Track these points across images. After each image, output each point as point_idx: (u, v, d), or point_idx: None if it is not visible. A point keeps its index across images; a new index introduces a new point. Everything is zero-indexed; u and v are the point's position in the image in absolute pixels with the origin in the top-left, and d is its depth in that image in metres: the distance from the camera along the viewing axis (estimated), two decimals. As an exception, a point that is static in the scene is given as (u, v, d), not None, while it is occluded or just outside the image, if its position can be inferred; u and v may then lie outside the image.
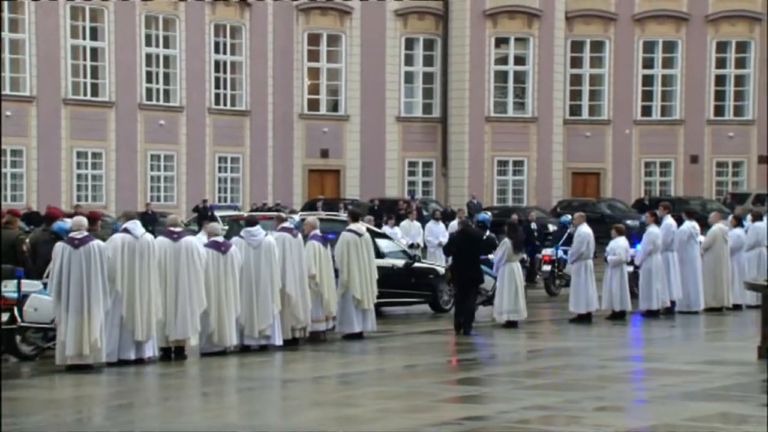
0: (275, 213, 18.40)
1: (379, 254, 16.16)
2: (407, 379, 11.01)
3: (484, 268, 15.40)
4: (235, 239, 12.65)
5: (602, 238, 17.63)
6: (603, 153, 38.61)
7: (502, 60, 37.91)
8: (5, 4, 30.50)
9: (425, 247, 22.65)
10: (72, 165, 33.10)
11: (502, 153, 37.72)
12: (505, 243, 14.94)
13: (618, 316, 15.79)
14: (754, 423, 8.39)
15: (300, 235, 13.15)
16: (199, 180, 35.00)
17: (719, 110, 38.92)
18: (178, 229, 12.09)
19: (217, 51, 35.48)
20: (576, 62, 38.48)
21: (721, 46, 38.64)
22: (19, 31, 32.09)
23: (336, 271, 13.54)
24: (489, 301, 15.84)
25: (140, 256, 11.48)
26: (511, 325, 14.80)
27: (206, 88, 35.21)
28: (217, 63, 35.50)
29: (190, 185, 34.89)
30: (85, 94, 33.37)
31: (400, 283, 16.11)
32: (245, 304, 12.42)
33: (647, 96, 38.76)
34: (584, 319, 15.52)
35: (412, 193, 36.92)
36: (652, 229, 16.22)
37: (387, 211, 27.03)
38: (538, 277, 20.23)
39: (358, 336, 13.65)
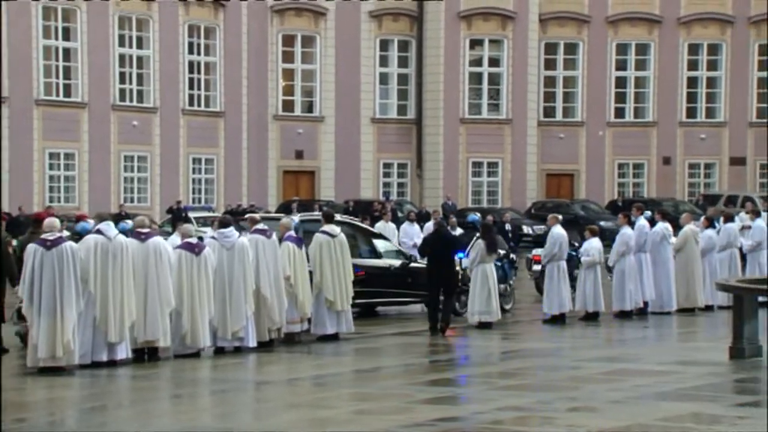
0: (277, 214, 18.38)
1: (377, 254, 16.37)
2: (381, 380, 11.01)
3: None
4: (208, 240, 12.61)
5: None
6: (577, 154, 38.81)
7: (477, 62, 38.00)
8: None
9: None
10: (44, 166, 32.85)
11: (476, 154, 37.81)
12: (479, 244, 14.98)
13: (591, 317, 15.87)
14: (725, 423, 8.46)
15: (275, 237, 13.12)
16: (172, 181, 34.84)
17: (691, 112, 39.23)
18: (145, 230, 12.03)
19: (191, 52, 35.33)
20: (550, 64, 38.65)
21: (693, 49, 38.95)
22: (-9, 31, 31.84)
23: (311, 272, 13.54)
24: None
25: (113, 258, 11.42)
26: (484, 326, 14.83)
27: (180, 88, 35.06)
28: (191, 64, 35.36)
29: (163, 186, 34.72)
30: (57, 95, 33.14)
31: (397, 283, 16.11)
32: (218, 306, 12.38)
33: (620, 98, 39.00)
34: (558, 320, 15.58)
35: (387, 194, 36.94)
36: (625, 231, 16.31)
37: (362, 213, 27.01)
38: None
39: (334, 337, 13.64)
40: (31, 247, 11.23)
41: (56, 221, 11.55)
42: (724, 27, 38.91)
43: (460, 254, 15.32)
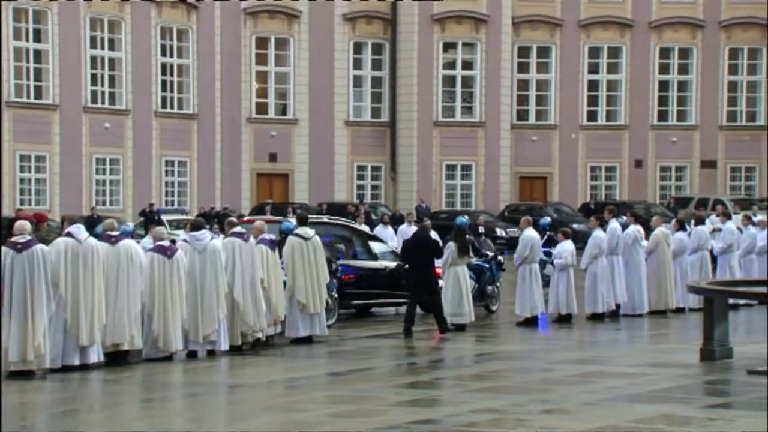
0: (273, 217, 18.63)
1: (372, 256, 16.68)
2: (356, 383, 11.01)
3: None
4: (180, 243, 12.56)
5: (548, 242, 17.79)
6: (550, 157, 38.99)
7: (450, 65, 38.11)
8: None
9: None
10: (15, 169, 32.56)
11: (450, 157, 37.90)
12: (450, 247, 15.03)
13: (564, 320, 15.93)
14: (696, 424, 8.52)
15: (252, 240, 13.10)
16: (145, 184, 34.66)
17: (663, 115, 39.53)
18: (115, 233, 11.97)
19: (163, 54, 35.17)
20: (523, 67, 38.82)
21: (664, 52, 39.25)
22: (-39, 32, 31.55)
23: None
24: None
25: (84, 261, 11.35)
26: (457, 328, 14.85)
27: (153, 91, 34.89)
28: (163, 66, 35.20)
29: (136, 189, 34.54)
30: (28, 97, 32.88)
31: (391, 284, 16.21)
32: (190, 309, 12.32)
33: (592, 101, 39.23)
34: (531, 322, 15.64)
35: (361, 197, 36.94)
36: (597, 233, 16.40)
37: (335, 215, 26.98)
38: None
39: (308, 340, 13.62)
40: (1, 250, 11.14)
41: (26, 224, 11.47)
42: (694, 31, 39.24)
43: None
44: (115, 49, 34.24)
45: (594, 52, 39.00)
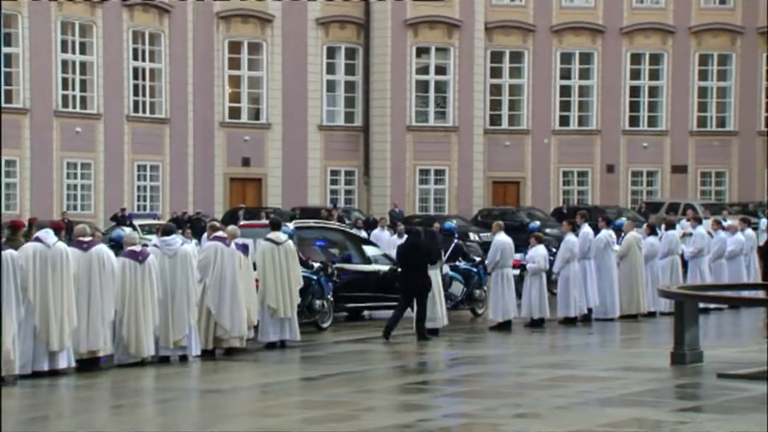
0: (266, 221, 18.98)
1: (366, 260, 16.95)
2: (328, 388, 10.99)
3: (452, 273, 16.29)
4: (150, 248, 12.51)
5: (522, 247, 17.86)
6: (522, 162, 39.15)
7: (423, 70, 38.19)
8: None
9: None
10: (-15, 173, 32.28)
11: (423, 162, 37.96)
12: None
13: (537, 324, 15.99)
14: (667, 428, 8.58)
15: (233, 245, 13.07)
16: (117, 188, 34.45)
17: (634, 121, 39.80)
18: (87, 239, 11.89)
19: (135, 58, 35.00)
20: (496, 72, 38.96)
21: (636, 58, 39.55)
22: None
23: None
24: (456, 306, 16.49)
25: (53, 266, 11.26)
26: (431, 332, 14.87)
27: (124, 95, 34.70)
28: (135, 70, 35.02)
29: (108, 194, 34.32)
30: (-2, 101, 32.60)
31: (384, 287, 16.33)
32: (161, 315, 12.27)
33: (565, 106, 39.44)
34: (504, 327, 15.68)
35: (335, 201, 36.92)
36: (570, 238, 16.47)
37: (309, 220, 26.93)
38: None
39: (281, 345, 13.59)
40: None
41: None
42: (665, 37, 39.56)
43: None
44: (86, 52, 34.02)
45: (566, 58, 39.22)
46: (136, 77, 35.03)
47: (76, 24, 33.79)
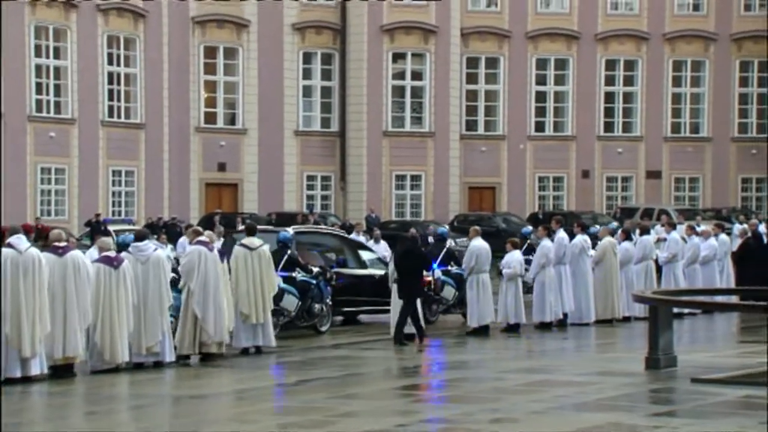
0: (269, 227, 19.41)
1: (362, 264, 17.21)
2: (304, 394, 10.96)
3: (444, 278, 16.41)
4: (123, 254, 12.45)
5: (498, 252, 17.89)
6: (498, 168, 39.29)
7: (400, 75, 38.25)
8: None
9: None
10: (-43, 178, 32.01)
11: (399, 167, 38.01)
12: (395, 257, 15.11)
13: (513, 329, 16.04)
14: None
15: (216, 250, 13.04)
16: (91, 194, 34.25)
17: (609, 126, 40.05)
18: (62, 244, 11.80)
19: (110, 63, 34.83)
20: (472, 78, 39.10)
21: (610, 64, 39.81)
22: None
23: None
24: (448, 310, 16.58)
25: (24, 272, 11.16)
26: (407, 338, 14.87)
27: (99, 100, 34.53)
28: (110, 75, 34.85)
29: (82, 199, 34.11)
30: (-29, 105, 32.36)
31: (379, 292, 16.41)
32: (133, 321, 12.21)
33: (540, 112, 39.64)
34: (481, 332, 15.71)
35: (311, 206, 36.89)
36: (545, 243, 16.53)
37: (285, 225, 26.91)
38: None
39: (257, 351, 13.55)
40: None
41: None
42: (639, 43, 39.86)
43: (434, 265, 16.12)
44: (60, 57, 33.82)
45: (541, 64, 39.42)
46: (111, 82, 34.86)
47: (51, 28, 33.59)
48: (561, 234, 16.81)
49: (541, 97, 39.54)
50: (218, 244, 14.33)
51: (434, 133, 38.15)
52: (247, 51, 37.14)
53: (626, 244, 17.71)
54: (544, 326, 16.32)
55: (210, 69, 36.96)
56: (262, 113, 37.28)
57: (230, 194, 37.43)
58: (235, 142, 37.28)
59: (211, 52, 36.91)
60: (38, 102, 33.49)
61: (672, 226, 20.19)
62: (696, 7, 40.24)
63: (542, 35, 39.19)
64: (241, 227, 21.75)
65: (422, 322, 14.75)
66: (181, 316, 12.86)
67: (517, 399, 10.11)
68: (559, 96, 39.74)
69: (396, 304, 14.91)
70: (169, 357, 12.44)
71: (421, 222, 34.20)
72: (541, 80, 39.49)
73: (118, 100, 35.13)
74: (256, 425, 9.10)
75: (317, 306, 15.34)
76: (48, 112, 33.77)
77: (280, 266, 15.00)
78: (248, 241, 13.81)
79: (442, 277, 16.68)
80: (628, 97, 40.09)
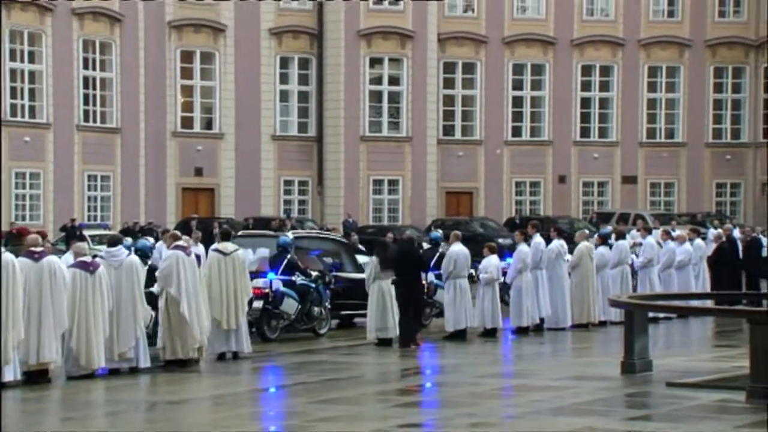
0: (268, 232, 19.76)
1: (358, 268, 17.53)
2: (280, 399, 10.94)
3: (437, 282, 16.54)
4: (97, 259, 12.39)
5: (475, 257, 17.94)
6: (475, 172, 39.37)
7: (377, 80, 38.28)
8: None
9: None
10: (-70, 183, 31.70)
11: (377, 172, 38.02)
12: (372, 261, 15.12)
13: (490, 334, 16.07)
14: (618, 435, 8.67)
15: (193, 254, 12.99)
16: (67, 199, 34.03)
17: (585, 132, 40.24)
18: (39, 249, 11.72)
19: (86, 67, 34.64)
20: (449, 83, 39.18)
21: (586, 70, 40.01)
22: None
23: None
24: (441, 313, 16.56)
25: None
26: (383, 343, 14.88)
27: (75, 104, 34.31)
28: (86, 79, 34.66)
29: (57, 204, 33.88)
30: (-55, 109, 32.08)
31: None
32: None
33: (517, 117, 39.77)
34: (458, 336, 15.74)
35: (288, 211, 36.81)
36: (522, 248, 16.59)
37: (262, 230, 26.85)
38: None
39: (234, 357, 13.51)
40: None
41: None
42: (615, 49, 40.09)
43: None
44: (35, 61, 33.61)
45: (518, 69, 39.56)
46: (86, 86, 34.67)
47: (25, 32, 33.35)
48: (537, 239, 16.87)
49: (517, 102, 39.68)
50: (196, 249, 14.27)
51: (411, 137, 38.21)
52: (224, 55, 37.05)
53: (602, 248, 17.80)
54: (520, 331, 16.36)
55: (186, 73, 36.84)
56: (239, 118, 37.19)
57: (207, 199, 37.29)
58: (212, 146, 37.17)
59: (187, 56, 36.80)
60: (13, 106, 33.24)
61: (648, 230, 20.29)
62: (671, 14, 40.53)
63: (519, 41, 39.34)
64: (242, 231, 22.15)
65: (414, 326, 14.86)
66: (161, 321, 12.79)
67: (493, 404, 10.14)
68: (535, 101, 39.89)
69: (373, 306, 14.92)
70: (144, 362, 12.38)
71: (399, 227, 34.21)
72: (518, 85, 39.63)
73: (94, 104, 34.94)
74: (234, 431, 9.07)
75: (316, 309, 15.65)
76: (23, 116, 33.53)
77: (280, 270, 15.31)
78: (222, 246, 13.76)
79: (435, 281, 16.76)
80: (603, 103, 40.31)
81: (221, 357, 13.51)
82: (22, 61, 33.39)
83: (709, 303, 16.76)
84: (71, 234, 28.11)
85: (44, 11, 33.52)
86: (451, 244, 16.27)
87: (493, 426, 9.16)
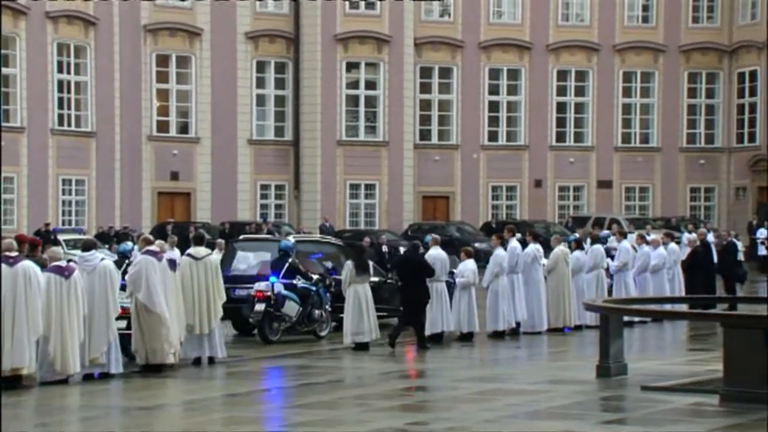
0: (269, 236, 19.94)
1: None
2: (256, 404, 10.91)
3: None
4: (72, 264, 12.31)
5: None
6: (452, 177, 39.45)
7: (354, 84, 38.28)
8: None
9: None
10: None
11: (353, 176, 38.01)
12: (348, 265, 15.14)
13: (466, 338, 16.10)
14: (593, 439, 8.71)
15: (165, 259, 12.93)
16: (41, 203, 33.79)
17: (561, 136, 40.41)
18: (13, 254, 11.64)
19: (60, 71, 34.43)
20: (425, 87, 39.25)
21: (562, 75, 40.21)
22: None
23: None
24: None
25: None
26: (360, 347, 14.87)
27: (49, 108, 34.09)
28: (60, 83, 34.44)
29: (31, 208, 33.63)
30: None
31: (373, 298, 16.38)
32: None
33: (493, 121, 39.88)
34: (435, 339, 15.75)
35: (265, 216, 36.72)
36: (498, 252, 16.63)
37: (238, 234, 26.77)
38: None
39: (210, 361, 13.46)
40: None
41: None
42: (590, 54, 40.30)
43: None
44: (9, 65, 33.35)
45: (494, 74, 39.69)
46: (61, 90, 34.45)
47: (-1, 36, 33.11)
48: (514, 243, 16.92)
49: (494, 106, 39.81)
50: (171, 253, 14.21)
51: (388, 142, 38.23)
52: (200, 59, 36.93)
53: (577, 252, 17.88)
54: (497, 335, 16.40)
55: (162, 77, 36.70)
56: (215, 122, 37.07)
57: (183, 203, 37.14)
58: (188, 150, 37.03)
59: (163, 60, 36.65)
60: (-14, 110, 33.03)
61: (623, 234, 20.40)
62: (645, 19, 40.80)
63: (495, 45, 39.48)
64: (243, 236, 22.33)
65: (403, 331, 15.02)
66: (133, 327, 12.72)
67: (469, 408, 10.15)
68: (511, 106, 40.03)
69: (349, 310, 14.93)
70: (116, 368, 12.30)
71: (376, 231, 34.21)
72: (494, 90, 39.75)
73: (69, 108, 34.72)
74: (209, 436, 9.03)
75: (317, 312, 15.93)
76: (-3, 120, 33.30)
77: (282, 273, 15.61)
78: (194, 250, 13.69)
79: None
80: (579, 108, 40.51)
81: (197, 362, 13.45)
82: (-5, 64, 33.13)
83: (683, 307, 16.87)
84: (46, 239, 27.91)
85: (18, 14, 33.29)
86: (431, 247, 16.31)
87: (468, 430, 9.16)
